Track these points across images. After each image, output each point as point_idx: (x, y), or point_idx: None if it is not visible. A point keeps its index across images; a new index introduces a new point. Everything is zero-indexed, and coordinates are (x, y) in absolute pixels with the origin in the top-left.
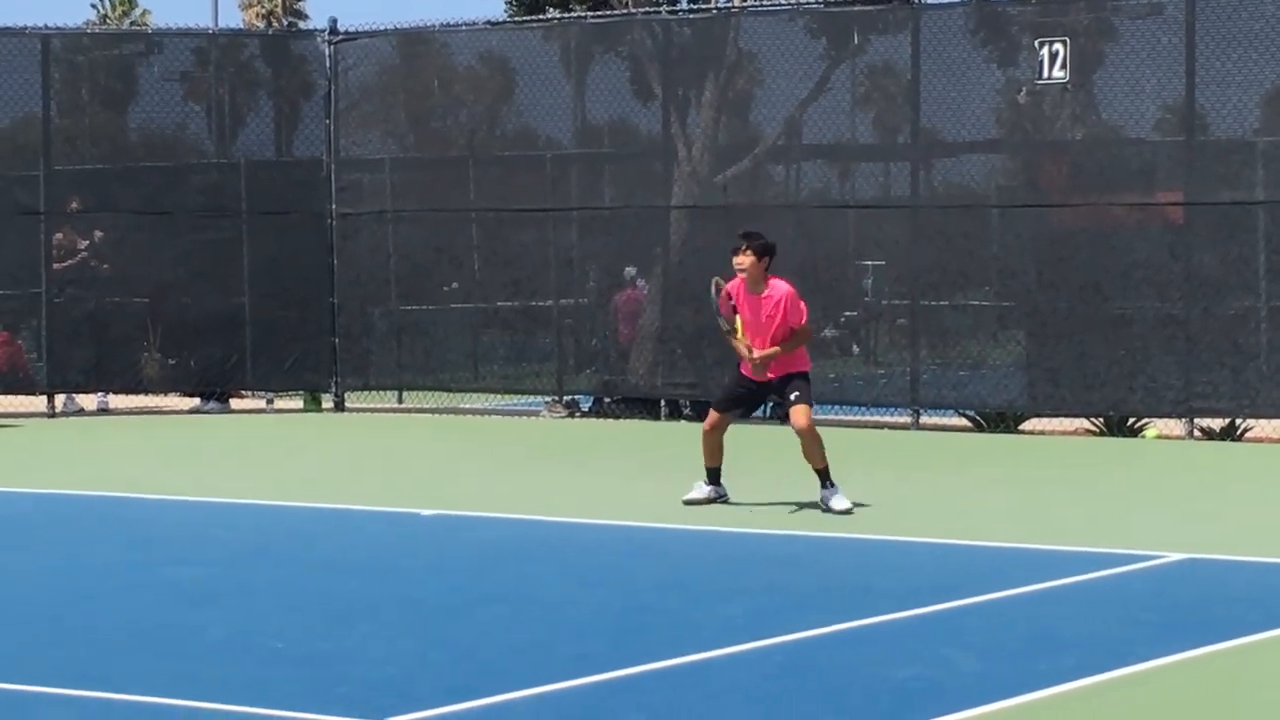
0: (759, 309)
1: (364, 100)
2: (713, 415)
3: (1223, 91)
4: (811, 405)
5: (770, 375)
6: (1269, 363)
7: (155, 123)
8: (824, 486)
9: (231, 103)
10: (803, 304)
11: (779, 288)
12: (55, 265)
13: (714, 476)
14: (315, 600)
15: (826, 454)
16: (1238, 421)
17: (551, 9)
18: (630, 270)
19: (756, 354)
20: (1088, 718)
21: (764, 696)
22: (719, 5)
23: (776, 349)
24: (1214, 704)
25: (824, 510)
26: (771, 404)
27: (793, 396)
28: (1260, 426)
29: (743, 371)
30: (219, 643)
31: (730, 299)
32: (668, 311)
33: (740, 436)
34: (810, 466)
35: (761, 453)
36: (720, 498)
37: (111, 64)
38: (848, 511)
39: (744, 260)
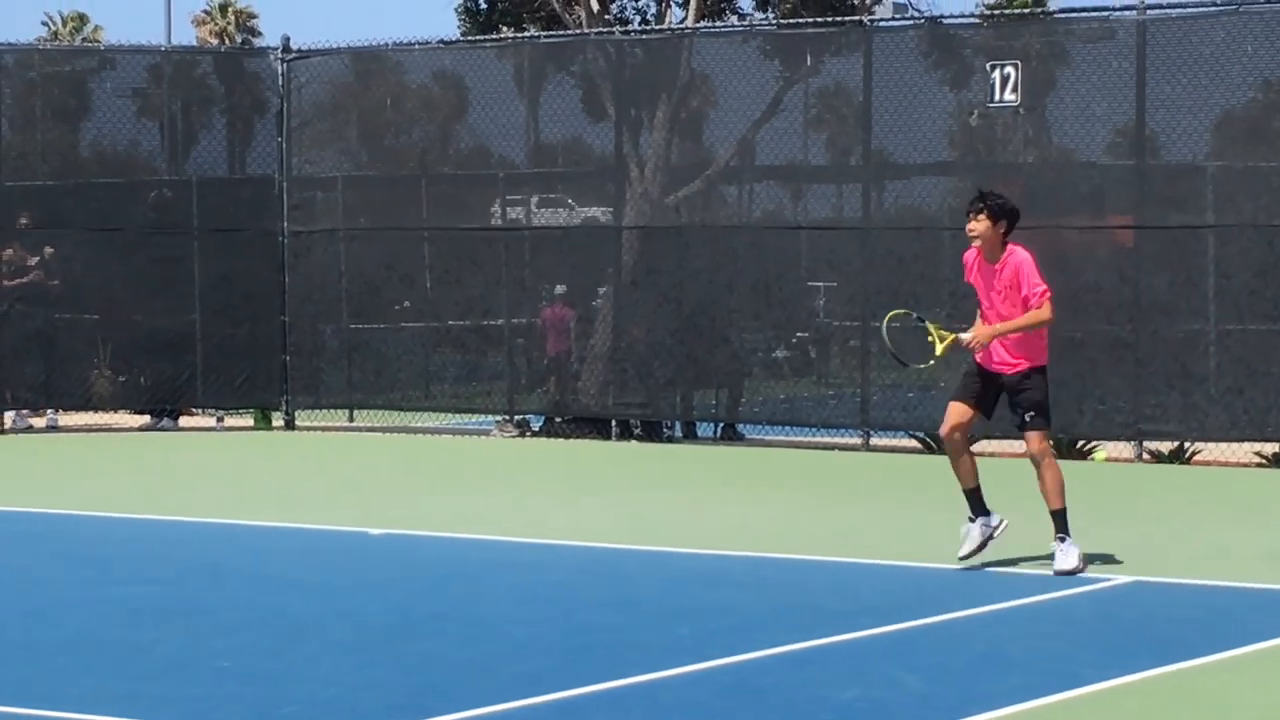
0: (992, 280)
1: (317, 118)
2: (951, 410)
3: (1173, 116)
4: (1049, 427)
5: (998, 364)
6: (1217, 386)
7: (107, 139)
8: (1056, 534)
9: (184, 120)
10: (1038, 273)
11: (1017, 254)
12: (5, 282)
13: (978, 503)
14: (263, 619)
15: (1064, 492)
16: (1186, 444)
17: (504, 28)
18: (560, 288)
19: (965, 335)
20: None
21: (710, 717)
22: (672, 26)
23: (1003, 326)
24: None
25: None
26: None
27: (1027, 417)
28: (1208, 450)
29: (976, 360)
30: (166, 661)
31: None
32: (619, 331)
33: (686, 454)
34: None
35: (722, 473)
36: (997, 529)
37: (64, 80)
38: (1070, 573)
39: (976, 225)
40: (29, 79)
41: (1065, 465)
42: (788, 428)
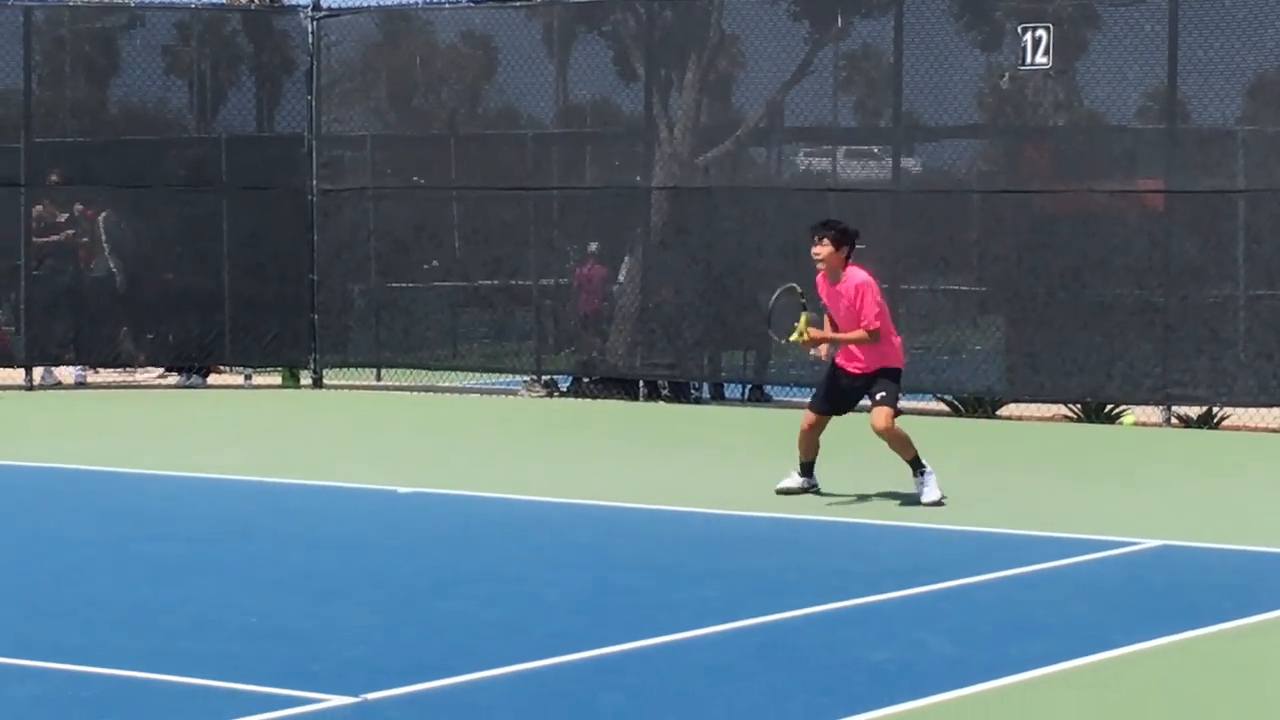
0: (838, 300)
1: (346, 77)
2: (808, 416)
3: (1205, 80)
4: (896, 406)
5: (857, 368)
6: (1246, 351)
7: (136, 97)
8: (915, 475)
9: (213, 77)
10: (872, 297)
11: (856, 276)
12: (35, 238)
13: (808, 470)
14: (291, 576)
15: (913, 445)
16: (1214, 409)
17: None
18: (593, 246)
19: (812, 335)
20: (1059, 703)
21: (740, 677)
22: None
23: (833, 335)
24: (1186, 691)
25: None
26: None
27: (878, 396)
28: (1237, 414)
29: (836, 363)
30: (193, 618)
31: (803, 302)
32: (648, 292)
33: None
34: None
35: (739, 434)
36: (812, 488)
37: (93, 37)
38: (937, 503)
39: (820, 250)
40: (58, 35)
41: (1093, 429)
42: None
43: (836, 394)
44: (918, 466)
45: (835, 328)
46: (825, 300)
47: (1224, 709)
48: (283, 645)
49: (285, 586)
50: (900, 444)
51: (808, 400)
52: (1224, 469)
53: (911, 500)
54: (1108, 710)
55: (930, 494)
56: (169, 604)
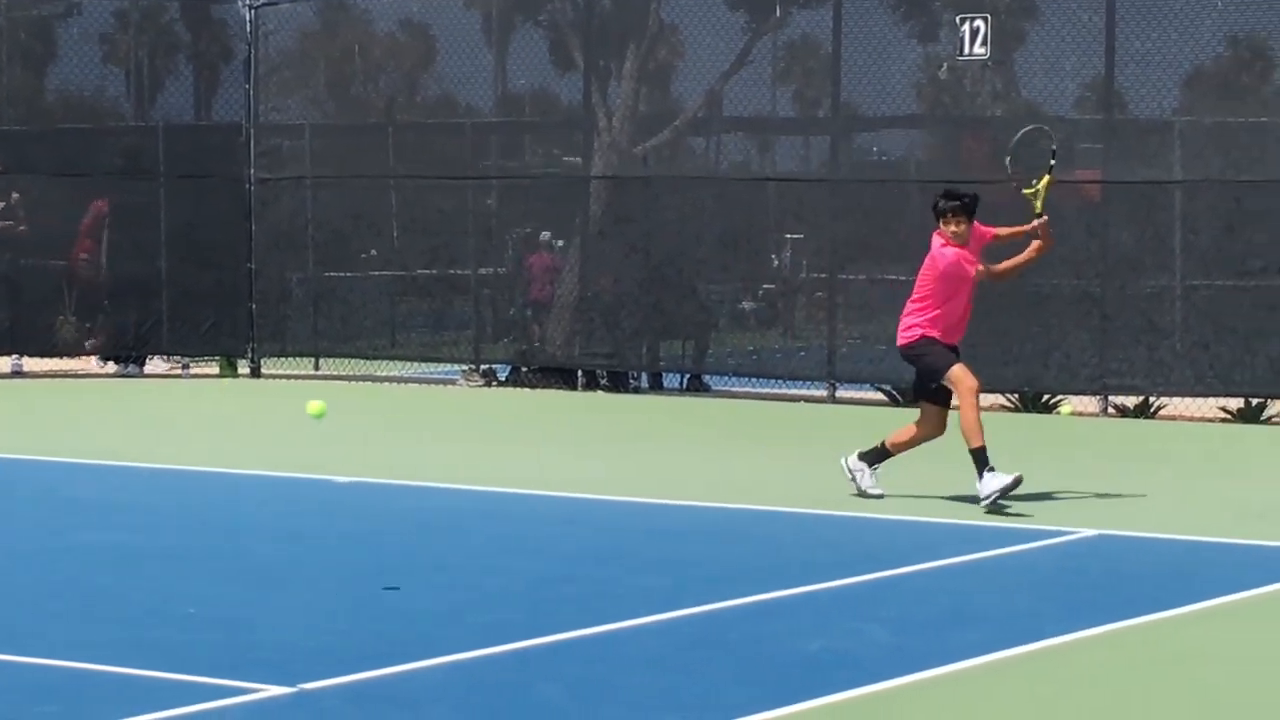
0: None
1: (284, 65)
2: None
3: (1142, 71)
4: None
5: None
6: (1183, 341)
7: (74, 85)
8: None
9: (151, 66)
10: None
11: (976, 228)
12: None
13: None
14: (230, 566)
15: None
16: (1151, 399)
17: None
18: (545, 234)
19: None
20: (996, 691)
21: (677, 667)
22: None
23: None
24: (1122, 680)
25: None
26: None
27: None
28: (1173, 404)
29: (944, 340)
30: (134, 608)
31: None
32: (586, 281)
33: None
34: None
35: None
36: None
37: (30, 25)
38: (994, 500)
39: (960, 228)
40: None
41: (1030, 419)
42: (754, 379)
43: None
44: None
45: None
46: (977, 259)
47: (1162, 697)
48: (221, 635)
49: (224, 576)
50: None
51: (745, 389)
52: (1160, 458)
53: (848, 487)
54: (1045, 699)
55: (992, 482)
56: (106, 594)
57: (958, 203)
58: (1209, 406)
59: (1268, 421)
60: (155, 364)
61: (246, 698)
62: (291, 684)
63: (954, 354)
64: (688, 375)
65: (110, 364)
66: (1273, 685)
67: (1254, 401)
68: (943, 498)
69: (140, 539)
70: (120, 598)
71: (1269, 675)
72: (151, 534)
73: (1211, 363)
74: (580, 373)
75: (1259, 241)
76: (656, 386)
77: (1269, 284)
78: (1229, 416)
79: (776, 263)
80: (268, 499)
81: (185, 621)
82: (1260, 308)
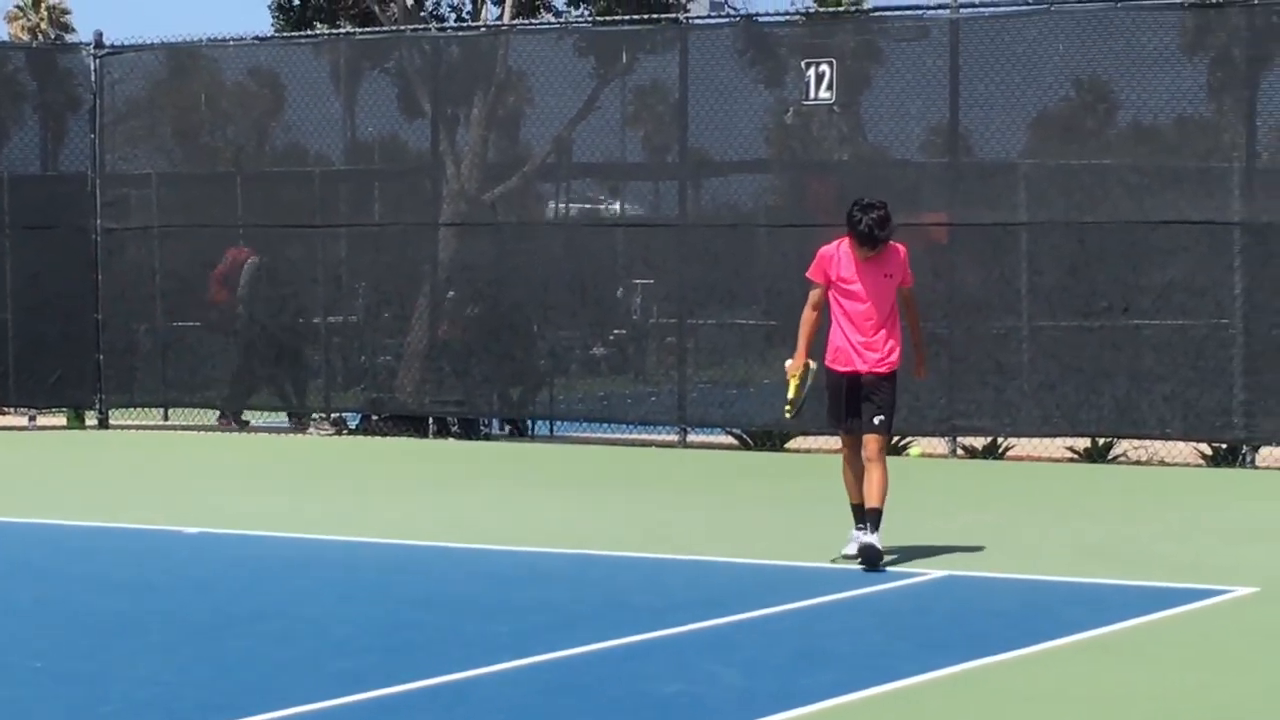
0: (875, 270)
1: (131, 115)
2: (845, 442)
3: (986, 114)
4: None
5: (865, 368)
6: (1030, 381)
7: None
8: (869, 526)
9: None
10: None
11: (895, 244)
12: None
13: (860, 514)
14: (78, 619)
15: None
16: (999, 440)
17: (319, 24)
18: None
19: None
20: None
21: (531, 713)
22: (487, 23)
23: (920, 345)
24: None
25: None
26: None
27: (878, 420)
28: (1021, 444)
29: (834, 368)
30: None
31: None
32: (435, 329)
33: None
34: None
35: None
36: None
37: None
38: (875, 558)
39: (882, 245)
40: None
41: None
42: (606, 425)
43: (854, 400)
44: (876, 523)
45: (856, 303)
46: (857, 273)
47: None
48: (69, 688)
49: (72, 629)
50: (885, 481)
51: (597, 434)
52: (1009, 499)
53: (704, 531)
54: None
55: (876, 542)
56: None
57: (870, 235)
58: (1056, 446)
59: (1114, 461)
60: (1, 417)
61: None
62: None
63: (834, 402)
64: (536, 420)
65: None
66: None
67: (1100, 441)
68: (788, 541)
69: None
70: None
71: (1114, 715)
72: None
73: (1058, 403)
74: (431, 420)
75: (1103, 282)
76: (515, 434)
77: (1114, 324)
78: (1076, 456)
79: (627, 308)
80: (115, 550)
81: (33, 676)
82: (1105, 348)
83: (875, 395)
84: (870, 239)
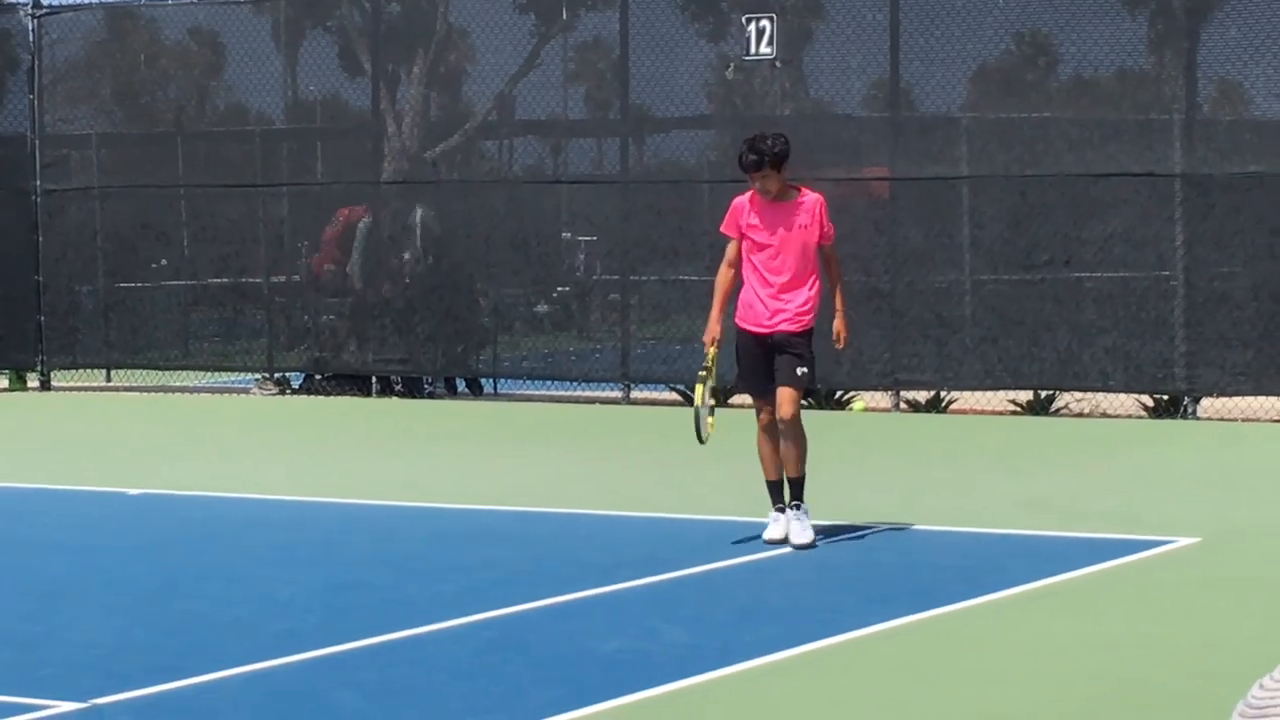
0: (787, 218)
1: (70, 75)
2: (761, 412)
3: (928, 69)
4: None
5: (772, 326)
6: (972, 335)
7: None
8: (792, 503)
9: None
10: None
11: (808, 192)
12: None
13: (779, 492)
14: (17, 581)
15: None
16: (942, 393)
17: None
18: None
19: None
20: (795, 686)
21: (474, 671)
22: None
23: (842, 311)
24: (921, 671)
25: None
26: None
27: (798, 371)
28: (964, 398)
29: (742, 326)
30: None
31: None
32: (377, 287)
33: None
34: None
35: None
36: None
37: None
38: (809, 546)
39: (771, 184)
40: None
41: (823, 415)
42: (549, 382)
43: (766, 366)
44: (799, 494)
45: (769, 255)
46: (759, 221)
47: (958, 689)
48: (9, 651)
49: (12, 591)
50: (803, 446)
51: (540, 391)
52: (952, 452)
53: (649, 487)
54: (843, 692)
55: (802, 535)
56: None
57: (756, 157)
58: (999, 399)
59: (1056, 413)
60: None
61: (37, 714)
62: (83, 699)
63: (746, 367)
64: (466, 380)
65: None
66: (1062, 675)
67: (1043, 394)
68: (733, 496)
69: None
70: None
71: (1059, 666)
72: None
73: (1000, 356)
74: (375, 379)
75: (1044, 235)
76: (451, 391)
77: (1055, 277)
78: (1018, 409)
79: (570, 265)
80: (57, 512)
81: None
82: (1047, 301)
83: (790, 348)
84: (755, 164)
